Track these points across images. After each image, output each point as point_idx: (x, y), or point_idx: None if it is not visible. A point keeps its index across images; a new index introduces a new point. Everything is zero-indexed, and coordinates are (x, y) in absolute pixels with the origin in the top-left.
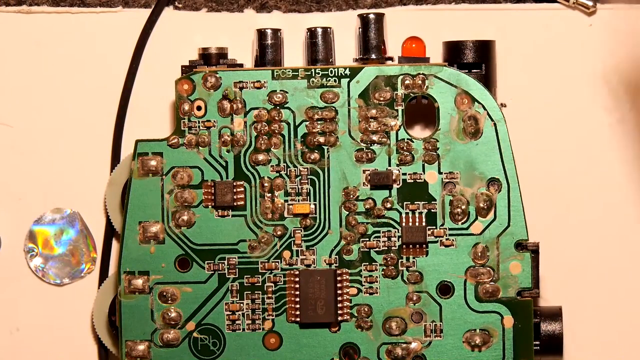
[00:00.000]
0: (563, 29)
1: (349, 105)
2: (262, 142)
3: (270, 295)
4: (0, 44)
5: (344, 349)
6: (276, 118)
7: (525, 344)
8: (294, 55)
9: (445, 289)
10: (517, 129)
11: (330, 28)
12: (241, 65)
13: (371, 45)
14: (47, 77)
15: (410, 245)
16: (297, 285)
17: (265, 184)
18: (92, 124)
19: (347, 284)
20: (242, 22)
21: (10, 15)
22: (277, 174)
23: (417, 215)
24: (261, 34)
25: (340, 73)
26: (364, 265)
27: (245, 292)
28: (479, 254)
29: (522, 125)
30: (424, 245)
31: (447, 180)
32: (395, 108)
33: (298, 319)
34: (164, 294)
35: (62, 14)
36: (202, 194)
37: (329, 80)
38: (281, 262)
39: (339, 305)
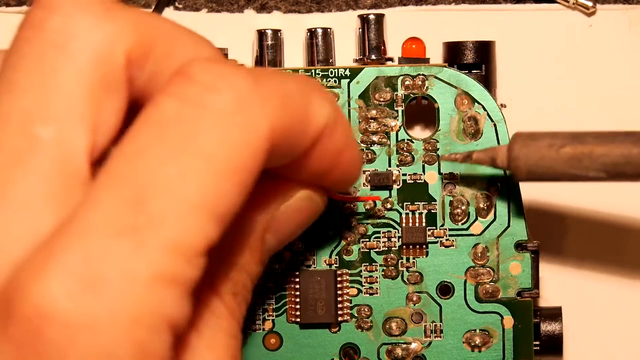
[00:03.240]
0: (563, 29)
1: (349, 105)
2: None
3: (270, 295)
4: (0, 44)
5: (344, 349)
6: None
7: (525, 344)
8: (294, 55)
9: (445, 290)
10: (517, 129)
11: (330, 29)
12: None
13: (371, 46)
14: None
15: (410, 246)
16: (297, 286)
17: None
18: None
19: (347, 284)
20: (242, 22)
21: (10, 16)
22: None
23: (417, 215)
24: (261, 34)
25: (340, 74)
26: (364, 265)
27: None
28: (479, 255)
29: (522, 125)
30: (424, 246)
31: (447, 180)
32: (395, 109)
33: (298, 320)
34: None
35: None
36: None
37: (329, 80)
38: (281, 262)
39: (339, 305)
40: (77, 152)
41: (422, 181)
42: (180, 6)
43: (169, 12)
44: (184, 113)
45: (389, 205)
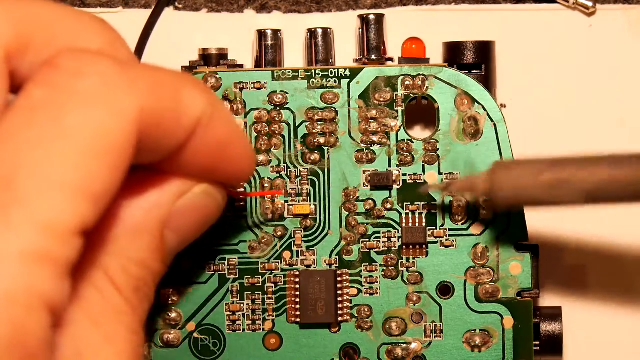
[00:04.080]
0: (563, 29)
1: (349, 106)
2: (263, 142)
3: (270, 295)
4: None
5: (344, 349)
6: (276, 119)
7: (525, 344)
8: (294, 55)
9: (445, 290)
10: (517, 129)
11: (330, 29)
12: (241, 66)
13: (371, 46)
14: None
15: (410, 246)
16: (298, 286)
17: (266, 185)
18: None
19: (347, 284)
20: (242, 22)
21: None
22: (277, 175)
23: (417, 215)
24: (261, 34)
25: (341, 74)
26: (364, 265)
27: (245, 293)
28: (479, 255)
29: (522, 125)
30: (424, 246)
31: (448, 181)
32: (395, 109)
33: (298, 320)
34: (164, 294)
35: None
36: None
37: (329, 81)
38: (281, 262)
39: (339, 305)
40: None
41: (422, 181)
42: (180, 6)
43: (169, 12)
44: (51, 98)
45: (389, 206)
